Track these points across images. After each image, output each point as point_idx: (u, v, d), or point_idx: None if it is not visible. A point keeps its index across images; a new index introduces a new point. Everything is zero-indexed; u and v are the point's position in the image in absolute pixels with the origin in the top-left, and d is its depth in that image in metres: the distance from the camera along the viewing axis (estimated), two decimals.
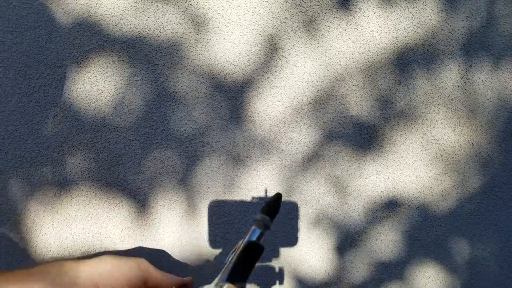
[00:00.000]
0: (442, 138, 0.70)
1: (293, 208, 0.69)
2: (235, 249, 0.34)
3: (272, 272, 0.68)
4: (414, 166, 0.70)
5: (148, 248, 0.66)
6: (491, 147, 0.72)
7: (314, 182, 0.69)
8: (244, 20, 0.65)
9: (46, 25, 0.61)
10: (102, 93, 0.63)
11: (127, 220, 0.65)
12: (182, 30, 0.64)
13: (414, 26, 0.68)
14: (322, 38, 0.67)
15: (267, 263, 0.68)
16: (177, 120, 0.65)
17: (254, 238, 0.31)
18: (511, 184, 0.72)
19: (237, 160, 0.67)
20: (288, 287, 0.70)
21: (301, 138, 0.68)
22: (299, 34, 0.66)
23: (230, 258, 0.34)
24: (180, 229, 0.66)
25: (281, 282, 0.68)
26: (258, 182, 0.68)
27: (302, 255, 0.70)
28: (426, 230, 0.72)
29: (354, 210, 0.70)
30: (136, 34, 0.63)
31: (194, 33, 0.64)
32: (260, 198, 0.68)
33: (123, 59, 0.63)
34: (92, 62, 0.62)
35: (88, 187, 0.64)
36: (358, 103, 0.68)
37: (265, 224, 0.30)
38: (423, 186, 0.71)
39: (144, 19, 0.63)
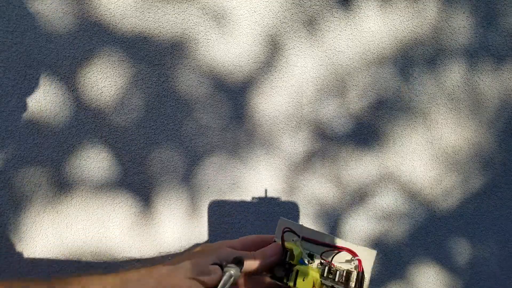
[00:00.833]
0: (442, 138, 0.70)
1: (293, 208, 0.69)
2: None
3: None
4: (414, 166, 0.70)
5: (148, 248, 0.65)
6: (491, 147, 0.72)
7: (314, 182, 0.69)
8: (244, 20, 0.65)
9: (46, 25, 0.61)
10: (102, 93, 0.63)
11: (127, 220, 0.65)
12: (182, 30, 0.64)
13: (414, 26, 0.68)
14: (322, 38, 0.66)
15: None
16: (177, 120, 0.65)
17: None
18: (511, 185, 0.72)
19: (237, 160, 0.67)
20: None
21: (301, 138, 0.68)
22: (299, 34, 0.66)
23: None
24: (180, 229, 0.66)
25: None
26: (258, 182, 0.68)
27: None
28: (426, 230, 0.72)
29: (354, 210, 0.70)
30: (136, 34, 0.63)
31: (194, 33, 0.64)
32: (260, 198, 0.68)
33: (123, 59, 0.63)
34: (92, 62, 0.62)
35: (88, 187, 0.64)
36: (358, 103, 0.68)
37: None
38: (423, 186, 0.71)
39: (144, 19, 0.63)
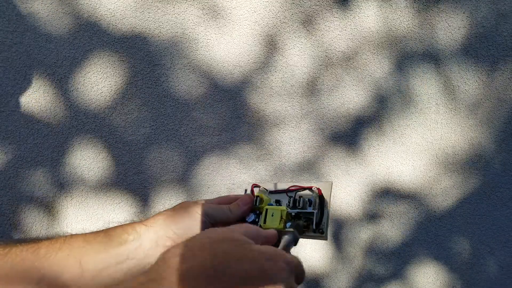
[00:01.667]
0: (442, 138, 0.70)
1: None
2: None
3: None
4: (414, 166, 0.70)
5: None
6: (491, 147, 0.72)
7: (315, 182, 0.69)
8: (244, 20, 0.65)
9: (46, 25, 0.61)
10: (102, 93, 0.63)
11: (127, 220, 0.65)
12: (182, 30, 0.64)
13: (414, 26, 0.68)
14: (322, 38, 0.66)
15: None
16: (177, 120, 0.65)
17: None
18: (511, 185, 0.72)
19: (237, 160, 0.67)
20: None
21: (300, 138, 0.68)
22: (299, 34, 0.66)
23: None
24: None
25: None
26: (258, 182, 0.68)
27: (301, 256, 0.70)
28: (426, 230, 0.72)
29: (354, 210, 0.70)
30: (136, 34, 0.63)
31: (194, 33, 0.64)
32: None
33: (123, 59, 0.63)
34: (92, 62, 0.62)
35: (88, 187, 0.64)
36: (358, 103, 0.68)
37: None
38: (423, 186, 0.71)
39: (144, 19, 0.63)
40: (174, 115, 0.65)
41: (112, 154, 0.63)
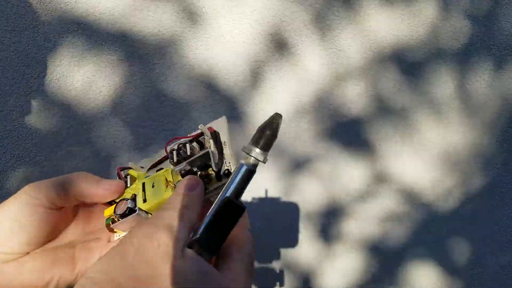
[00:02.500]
0: (444, 138, 0.70)
1: (293, 208, 0.69)
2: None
3: (273, 274, 0.67)
4: (416, 166, 0.70)
5: None
6: (493, 147, 0.71)
7: (314, 182, 0.68)
8: (244, 19, 0.64)
9: (45, 24, 0.61)
10: (101, 92, 0.62)
11: None
12: (182, 29, 0.63)
13: (416, 25, 0.67)
14: (323, 37, 0.66)
15: (268, 265, 0.68)
16: (177, 120, 0.65)
17: (234, 186, 0.22)
18: None
19: (237, 160, 0.67)
20: (288, 287, 0.70)
21: (301, 137, 0.67)
22: (300, 33, 0.66)
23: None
24: None
25: (281, 284, 0.68)
26: (258, 182, 0.67)
27: (302, 256, 0.70)
28: (428, 230, 0.72)
29: (355, 210, 0.70)
30: (135, 33, 0.62)
31: (194, 32, 0.64)
32: (260, 199, 0.68)
33: (122, 58, 0.63)
34: (91, 61, 0.62)
35: None
36: (359, 102, 0.68)
37: (253, 162, 0.23)
38: (425, 186, 0.71)
39: (143, 18, 0.62)
40: (174, 115, 0.64)
41: (112, 154, 0.63)
